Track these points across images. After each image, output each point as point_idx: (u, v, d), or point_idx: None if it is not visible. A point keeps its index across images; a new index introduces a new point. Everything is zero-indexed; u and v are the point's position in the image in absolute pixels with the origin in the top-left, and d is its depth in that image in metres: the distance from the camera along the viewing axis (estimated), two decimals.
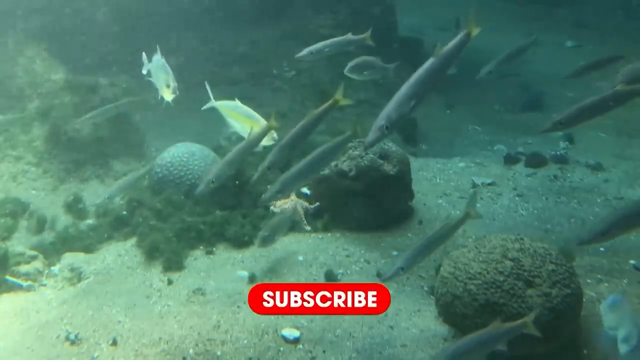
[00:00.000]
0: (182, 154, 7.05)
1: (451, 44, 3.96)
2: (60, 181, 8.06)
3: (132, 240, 6.38)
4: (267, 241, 5.60)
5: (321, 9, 11.35)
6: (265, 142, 5.09)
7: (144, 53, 5.68)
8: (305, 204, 6.39)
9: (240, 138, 7.76)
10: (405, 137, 9.25)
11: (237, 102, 5.52)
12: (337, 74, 10.87)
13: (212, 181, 5.00)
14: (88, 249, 6.35)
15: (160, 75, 5.32)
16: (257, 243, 5.67)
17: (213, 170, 5.01)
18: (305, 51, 5.89)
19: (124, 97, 8.54)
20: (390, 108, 3.75)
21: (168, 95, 5.27)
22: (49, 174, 8.06)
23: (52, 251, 6.26)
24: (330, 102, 4.61)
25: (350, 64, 6.09)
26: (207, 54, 11.09)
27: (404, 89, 3.80)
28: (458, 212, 6.77)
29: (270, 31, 11.31)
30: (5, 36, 8.91)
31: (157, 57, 5.41)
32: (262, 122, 5.02)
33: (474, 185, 7.49)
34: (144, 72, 5.66)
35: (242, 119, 5.28)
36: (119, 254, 6.22)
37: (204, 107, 5.83)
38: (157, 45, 5.50)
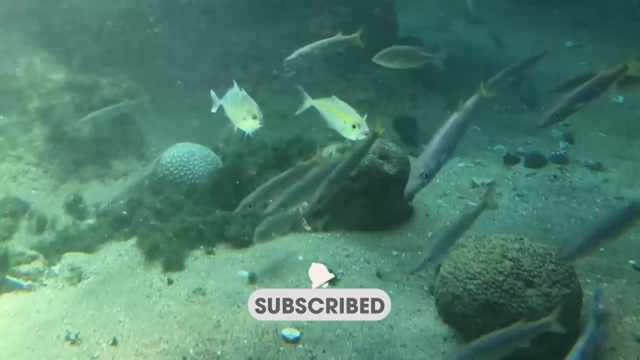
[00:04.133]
0: (182, 154, 7.07)
1: (470, 101, 4.26)
2: (61, 181, 8.07)
3: (132, 240, 6.38)
4: (264, 236, 5.65)
5: (321, 9, 11.36)
6: (357, 136, 5.00)
7: (212, 91, 5.52)
8: (306, 203, 6.38)
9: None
10: (405, 137, 9.26)
11: (335, 98, 5.30)
12: (337, 74, 10.95)
13: (249, 205, 5.01)
14: (88, 249, 6.36)
15: (243, 106, 5.08)
16: (254, 238, 5.73)
17: (252, 193, 5.04)
18: (294, 54, 5.85)
19: (124, 98, 8.57)
20: (427, 157, 3.95)
21: (249, 126, 5.02)
22: (49, 174, 8.07)
23: (52, 251, 6.26)
24: (370, 137, 4.74)
25: (384, 51, 5.79)
26: (207, 54, 11.10)
27: (437, 140, 4.03)
28: (458, 212, 6.79)
29: (270, 31, 11.31)
30: (6, 36, 8.91)
31: (236, 90, 5.27)
32: (358, 118, 4.95)
33: (474, 185, 7.50)
34: (214, 110, 5.46)
35: (341, 115, 5.15)
36: (119, 253, 6.23)
37: (300, 111, 5.47)
38: (234, 80, 5.40)
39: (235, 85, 5.29)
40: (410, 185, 3.93)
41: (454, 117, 4.19)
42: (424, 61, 5.89)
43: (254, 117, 4.97)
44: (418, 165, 3.96)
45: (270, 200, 5.36)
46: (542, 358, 4.46)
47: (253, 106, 5.02)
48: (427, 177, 3.89)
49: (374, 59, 5.72)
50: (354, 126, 4.94)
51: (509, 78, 7.05)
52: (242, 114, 5.03)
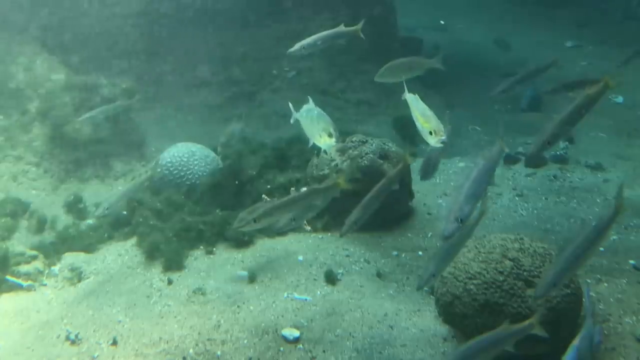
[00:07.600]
0: (182, 154, 7.07)
1: (494, 150, 4.44)
2: (61, 181, 8.07)
3: (132, 240, 6.39)
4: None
5: (321, 9, 11.36)
6: (435, 142, 5.01)
7: (290, 103, 5.55)
8: None
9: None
10: (405, 137, 9.26)
11: (417, 97, 5.30)
12: (337, 74, 10.95)
13: (254, 220, 5.08)
14: (88, 249, 6.37)
15: (319, 124, 5.12)
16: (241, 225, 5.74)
17: (259, 210, 5.12)
18: (297, 46, 5.85)
19: (124, 98, 8.57)
20: (461, 202, 4.17)
21: (325, 143, 5.07)
22: (49, 174, 8.07)
23: (52, 251, 6.27)
24: (401, 165, 5.22)
25: (382, 69, 5.83)
26: (207, 54, 11.09)
27: (468, 186, 4.24)
28: None
29: (270, 31, 11.30)
30: (6, 37, 8.91)
31: (311, 106, 5.25)
32: (435, 124, 4.96)
33: None
34: (292, 121, 5.50)
35: (420, 118, 5.14)
36: (119, 253, 6.23)
37: (404, 98, 5.45)
38: (309, 97, 5.38)
39: (311, 101, 5.29)
40: (447, 229, 4.13)
41: (481, 165, 4.37)
42: (424, 67, 5.92)
43: (330, 135, 5.03)
44: (453, 209, 4.16)
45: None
46: (542, 358, 4.47)
47: (328, 124, 5.07)
48: (462, 221, 4.09)
49: (375, 79, 5.79)
50: (430, 132, 4.91)
51: (517, 86, 7.08)
52: (318, 131, 5.10)
